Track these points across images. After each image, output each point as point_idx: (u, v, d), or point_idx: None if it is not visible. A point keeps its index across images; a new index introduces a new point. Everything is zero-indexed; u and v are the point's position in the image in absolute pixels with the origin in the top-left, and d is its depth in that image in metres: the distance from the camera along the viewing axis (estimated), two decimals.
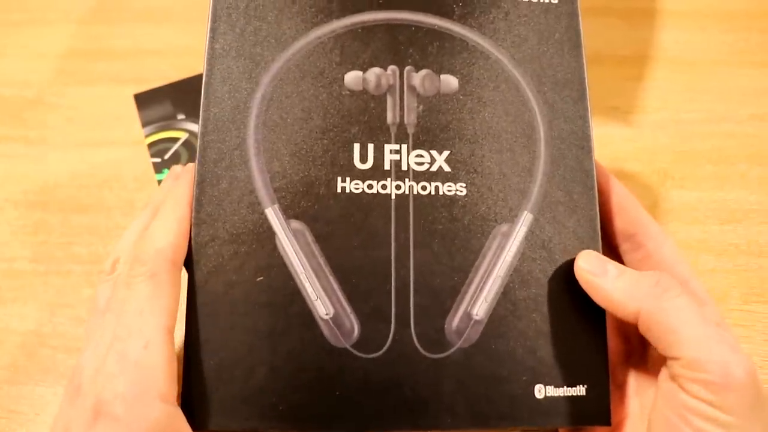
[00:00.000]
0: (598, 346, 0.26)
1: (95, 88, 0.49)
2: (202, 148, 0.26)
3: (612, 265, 0.26)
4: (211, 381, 0.24)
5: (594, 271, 0.25)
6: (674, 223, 0.39)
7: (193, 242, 0.25)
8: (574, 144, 0.28)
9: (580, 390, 0.25)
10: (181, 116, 0.42)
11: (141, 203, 0.41)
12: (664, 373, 0.24)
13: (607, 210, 0.29)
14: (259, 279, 0.25)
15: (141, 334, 0.22)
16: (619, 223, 0.29)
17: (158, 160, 0.41)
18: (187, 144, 0.41)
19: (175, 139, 0.42)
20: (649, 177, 0.42)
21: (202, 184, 0.26)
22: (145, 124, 0.43)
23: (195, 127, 0.41)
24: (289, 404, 0.24)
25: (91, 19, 0.56)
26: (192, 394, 0.24)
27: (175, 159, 0.41)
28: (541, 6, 0.29)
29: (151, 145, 0.42)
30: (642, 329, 0.24)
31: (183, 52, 0.52)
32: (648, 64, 0.50)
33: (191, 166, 0.26)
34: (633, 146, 0.44)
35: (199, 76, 0.27)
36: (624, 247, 0.29)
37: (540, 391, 0.25)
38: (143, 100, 0.45)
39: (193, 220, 0.25)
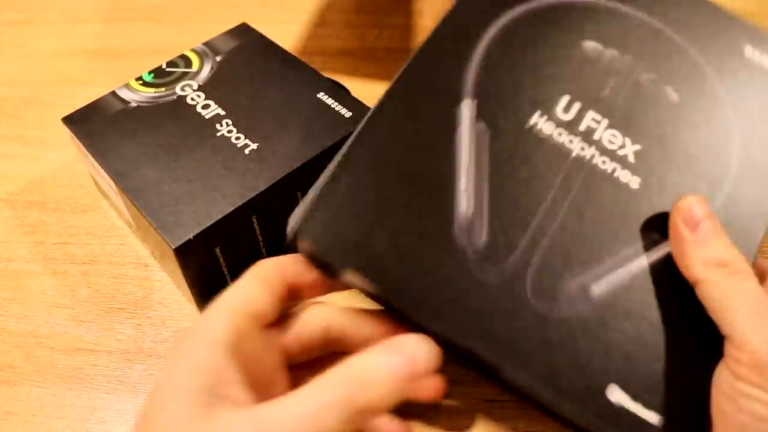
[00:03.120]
0: (696, 385, 0.24)
1: (93, 88, 0.49)
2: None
3: (704, 225, 0.24)
4: (336, 214, 0.25)
5: (686, 221, 0.25)
6: None
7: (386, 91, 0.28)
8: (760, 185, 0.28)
9: (653, 417, 0.23)
10: None
11: None
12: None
13: None
14: (423, 154, 0.26)
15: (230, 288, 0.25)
16: None
17: None
18: None
19: None
20: None
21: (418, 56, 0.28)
22: None
23: None
24: (393, 273, 0.24)
25: (89, 18, 0.56)
26: (316, 219, 0.25)
27: None
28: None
29: None
30: (699, 296, 0.24)
31: (181, 51, 0.52)
32: None
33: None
34: None
35: None
36: None
37: (613, 394, 0.24)
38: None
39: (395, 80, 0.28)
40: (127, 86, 0.38)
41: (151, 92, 0.37)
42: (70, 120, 0.36)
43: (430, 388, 0.24)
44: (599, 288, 0.25)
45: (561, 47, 0.29)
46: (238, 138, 0.35)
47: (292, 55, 0.40)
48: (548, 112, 0.28)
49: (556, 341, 0.24)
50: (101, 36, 0.54)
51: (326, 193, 0.26)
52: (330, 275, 0.26)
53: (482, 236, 0.25)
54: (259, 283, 0.24)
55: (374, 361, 0.22)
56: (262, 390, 0.23)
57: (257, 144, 0.34)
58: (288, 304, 0.26)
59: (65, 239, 0.39)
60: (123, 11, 0.57)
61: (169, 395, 0.21)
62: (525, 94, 0.28)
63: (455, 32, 0.29)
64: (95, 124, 0.36)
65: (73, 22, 0.56)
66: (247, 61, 0.39)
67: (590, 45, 0.29)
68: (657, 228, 0.26)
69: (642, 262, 0.26)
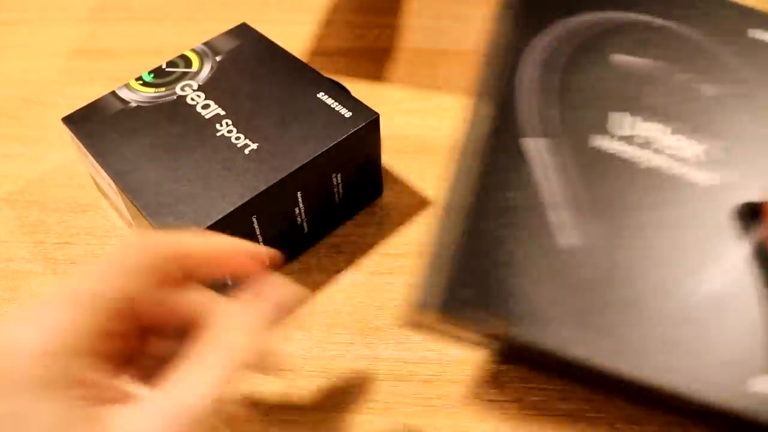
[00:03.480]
0: None
1: (93, 88, 0.49)
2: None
3: None
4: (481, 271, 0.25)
5: None
6: None
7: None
8: None
9: None
10: None
11: None
12: None
13: None
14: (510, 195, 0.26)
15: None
16: None
17: None
18: None
19: None
20: None
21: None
22: None
23: None
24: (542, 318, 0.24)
25: (90, 18, 0.56)
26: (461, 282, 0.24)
27: None
28: None
29: None
30: None
31: (181, 51, 0.52)
32: None
33: None
34: None
35: None
36: None
37: (755, 384, 0.24)
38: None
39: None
40: (127, 86, 0.38)
41: (151, 92, 0.37)
42: (70, 120, 0.36)
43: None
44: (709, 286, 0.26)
45: (596, 65, 0.30)
46: (238, 138, 0.35)
47: (292, 55, 0.40)
48: (608, 131, 0.28)
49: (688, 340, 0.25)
50: (101, 36, 0.54)
51: (464, 254, 0.25)
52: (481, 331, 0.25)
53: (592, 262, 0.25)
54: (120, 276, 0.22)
55: (239, 329, 0.22)
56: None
57: (257, 144, 0.34)
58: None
59: (65, 239, 0.39)
60: (123, 11, 0.57)
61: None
62: (584, 117, 0.28)
63: (500, 62, 0.29)
64: (95, 124, 0.36)
65: (73, 22, 0.56)
66: (247, 61, 0.39)
67: (622, 59, 0.30)
68: (748, 217, 0.27)
69: (739, 252, 0.26)
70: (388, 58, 0.51)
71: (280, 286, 0.25)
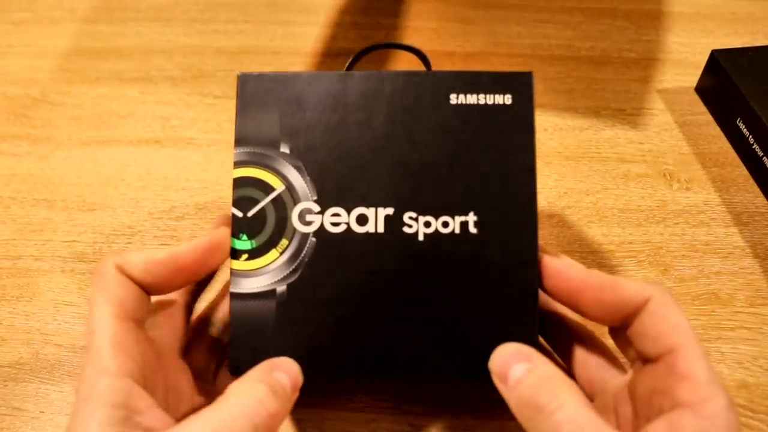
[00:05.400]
0: None
1: (100, 87, 0.49)
2: None
3: (516, 368, 0.24)
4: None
5: (499, 375, 0.24)
6: (681, 226, 0.39)
7: None
8: None
9: None
10: (284, 148, 0.27)
11: (145, 203, 0.41)
12: None
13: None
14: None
15: (88, 326, 0.23)
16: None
17: (239, 214, 0.27)
18: (278, 202, 0.27)
19: (266, 188, 0.27)
20: (656, 179, 0.41)
21: None
22: (239, 141, 0.27)
23: (296, 175, 0.27)
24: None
25: (96, 17, 0.56)
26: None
27: (259, 222, 0.27)
28: None
29: (236, 183, 0.27)
30: None
31: (188, 51, 0.52)
32: (654, 66, 0.50)
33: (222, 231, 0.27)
34: (639, 148, 0.43)
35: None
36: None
37: None
38: (250, 92, 0.28)
39: None
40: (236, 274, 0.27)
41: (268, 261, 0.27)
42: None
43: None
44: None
45: None
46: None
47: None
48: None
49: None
50: (109, 35, 0.54)
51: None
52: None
53: None
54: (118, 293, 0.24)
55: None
56: (174, 403, 0.25)
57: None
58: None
59: (73, 237, 0.39)
60: (130, 11, 0.57)
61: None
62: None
63: None
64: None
65: (81, 22, 0.56)
66: None
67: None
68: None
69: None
70: (395, 60, 0.51)
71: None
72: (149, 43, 0.53)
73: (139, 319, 0.24)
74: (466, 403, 0.31)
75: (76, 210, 0.41)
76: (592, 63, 0.50)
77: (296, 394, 0.25)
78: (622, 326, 0.25)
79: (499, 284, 0.26)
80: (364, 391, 0.32)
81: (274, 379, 0.24)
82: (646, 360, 0.24)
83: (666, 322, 0.23)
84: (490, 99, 0.28)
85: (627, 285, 0.24)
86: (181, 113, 0.47)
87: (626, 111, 0.46)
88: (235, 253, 0.27)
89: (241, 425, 0.21)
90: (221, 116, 0.47)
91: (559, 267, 0.26)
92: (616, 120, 0.45)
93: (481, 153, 0.27)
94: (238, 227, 0.27)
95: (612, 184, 0.41)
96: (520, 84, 0.28)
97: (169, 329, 0.27)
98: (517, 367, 0.24)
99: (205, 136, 0.45)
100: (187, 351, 0.28)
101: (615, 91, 0.48)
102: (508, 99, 0.28)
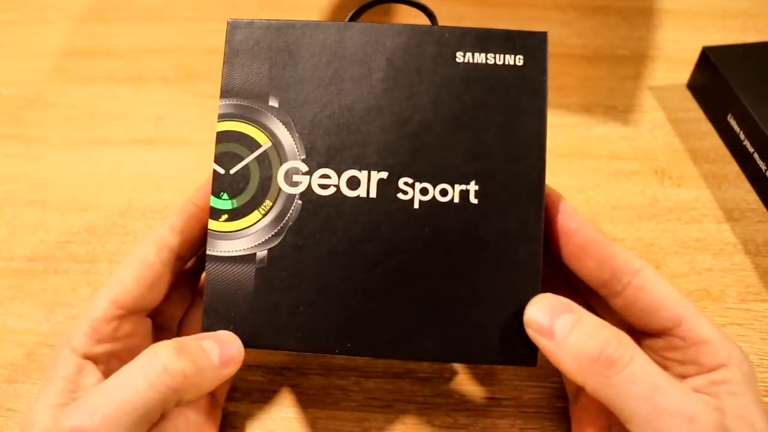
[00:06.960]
0: None
1: (94, 87, 0.49)
2: None
3: (562, 321, 0.22)
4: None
5: (541, 329, 0.23)
6: (672, 222, 0.39)
7: None
8: None
9: None
10: (273, 101, 0.26)
11: (139, 203, 0.41)
12: None
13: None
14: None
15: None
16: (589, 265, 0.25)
17: (221, 170, 0.26)
18: (263, 160, 0.25)
19: (252, 144, 0.26)
20: (647, 176, 0.42)
21: None
22: (226, 92, 0.26)
23: (285, 132, 0.25)
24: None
25: (90, 17, 0.56)
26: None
27: (242, 180, 0.26)
28: None
29: (220, 137, 0.26)
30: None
31: (182, 50, 0.52)
32: (645, 63, 0.50)
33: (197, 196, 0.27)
34: (631, 145, 0.44)
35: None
36: (602, 292, 0.25)
37: None
38: (239, 41, 0.27)
39: None
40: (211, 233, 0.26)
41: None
42: None
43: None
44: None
45: None
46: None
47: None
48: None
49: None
50: (102, 35, 0.54)
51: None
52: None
53: None
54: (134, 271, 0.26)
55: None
56: None
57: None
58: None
59: (66, 238, 0.39)
60: (123, 11, 0.57)
61: (36, 405, 0.23)
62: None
63: None
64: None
65: (74, 22, 0.56)
66: None
67: None
68: None
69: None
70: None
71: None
72: (142, 43, 0.53)
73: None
74: (459, 402, 0.31)
75: (70, 210, 0.41)
76: (584, 60, 0.50)
77: (229, 368, 0.24)
78: (604, 293, 0.25)
79: (499, 261, 0.24)
80: (356, 390, 0.32)
81: (194, 344, 0.24)
82: (643, 334, 0.25)
83: (664, 296, 0.24)
84: (500, 59, 0.26)
85: (618, 251, 0.25)
86: (174, 113, 0.47)
87: (618, 108, 0.46)
88: (214, 213, 0.25)
89: (135, 380, 0.22)
90: (215, 116, 0.46)
91: (577, 223, 0.25)
92: (608, 117, 0.45)
93: (487, 118, 0.25)
94: (219, 185, 0.25)
95: (604, 181, 0.41)
96: (533, 45, 0.26)
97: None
98: (563, 320, 0.22)
99: (199, 136, 0.45)
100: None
101: (607, 88, 0.48)
102: (519, 60, 0.26)
